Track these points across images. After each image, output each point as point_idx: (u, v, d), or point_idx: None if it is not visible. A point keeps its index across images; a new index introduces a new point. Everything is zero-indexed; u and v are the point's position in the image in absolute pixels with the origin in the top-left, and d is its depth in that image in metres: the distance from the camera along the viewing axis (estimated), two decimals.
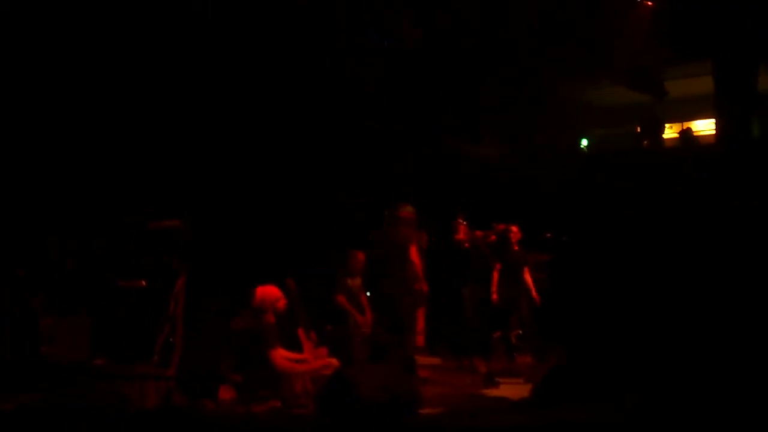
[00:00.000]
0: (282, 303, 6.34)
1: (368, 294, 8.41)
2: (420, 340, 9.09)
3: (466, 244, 8.58)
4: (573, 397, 5.75)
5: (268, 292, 6.33)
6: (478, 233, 8.42)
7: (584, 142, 12.75)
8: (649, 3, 9.12)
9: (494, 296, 8.40)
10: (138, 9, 8.10)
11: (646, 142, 11.04)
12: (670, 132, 11.68)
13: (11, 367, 6.35)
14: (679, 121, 12.15)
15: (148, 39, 8.17)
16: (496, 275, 8.47)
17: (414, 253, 8.09)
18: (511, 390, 6.76)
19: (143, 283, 6.55)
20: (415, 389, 5.83)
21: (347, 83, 9.69)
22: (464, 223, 8.59)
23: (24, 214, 7.09)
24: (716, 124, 10.45)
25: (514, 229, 8.42)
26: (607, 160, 11.05)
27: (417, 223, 8.18)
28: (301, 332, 7.06)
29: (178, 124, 8.37)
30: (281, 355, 6.10)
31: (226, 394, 6.31)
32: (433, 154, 10.77)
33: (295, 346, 6.84)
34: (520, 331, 8.48)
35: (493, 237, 8.61)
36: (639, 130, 11.44)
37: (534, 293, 8.43)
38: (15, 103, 7.64)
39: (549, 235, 8.63)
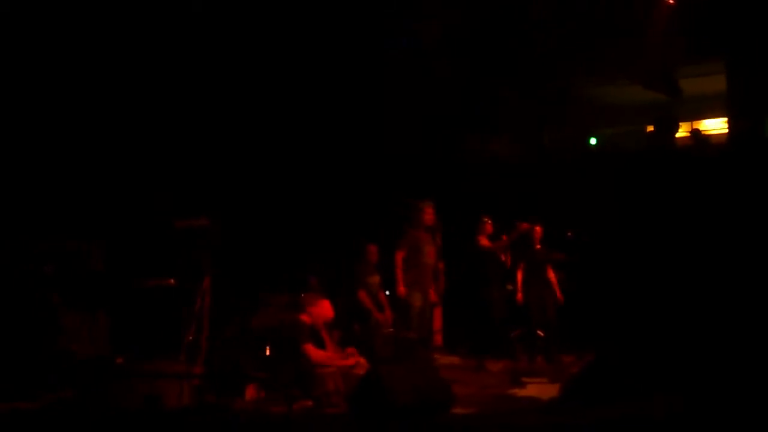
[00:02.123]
0: (324, 321, 6.38)
1: (387, 293, 8.38)
2: (437, 339, 9.08)
3: (490, 246, 8.53)
4: (604, 397, 5.74)
5: (327, 309, 6.37)
6: (505, 237, 8.38)
7: (593, 141, 12.73)
8: (669, 1, 9.09)
9: (519, 295, 8.40)
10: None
11: (658, 141, 11.02)
12: (682, 131, 11.66)
13: (35, 365, 6.29)
14: (689, 120, 12.16)
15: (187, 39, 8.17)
16: (520, 274, 8.46)
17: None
18: (539, 390, 6.73)
19: (172, 281, 6.49)
20: (448, 389, 5.80)
21: (370, 82, 9.64)
22: (490, 222, 8.53)
23: (52, 215, 7.03)
24: (728, 123, 10.46)
25: (538, 228, 8.40)
26: (619, 159, 11.03)
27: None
28: (324, 333, 7.03)
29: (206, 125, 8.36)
30: (313, 355, 6.07)
31: (253, 392, 6.27)
32: (449, 153, 10.73)
33: (318, 345, 6.80)
34: (540, 332, 8.45)
35: (504, 238, 8.54)
36: (652, 128, 11.42)
37: (558, 292, 8.43)
38: (45, 105, 7.59)
39: (570, 234, 8.60)
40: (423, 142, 10.16)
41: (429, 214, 8.11)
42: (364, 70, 9.61)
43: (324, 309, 6.42)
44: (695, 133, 11.66)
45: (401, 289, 7.94)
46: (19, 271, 6.35)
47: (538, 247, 8.47)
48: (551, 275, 8.50)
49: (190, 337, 6.38)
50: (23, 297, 6.31)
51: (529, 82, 10.26)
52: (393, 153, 9.76)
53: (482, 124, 10.63)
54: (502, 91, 10.37)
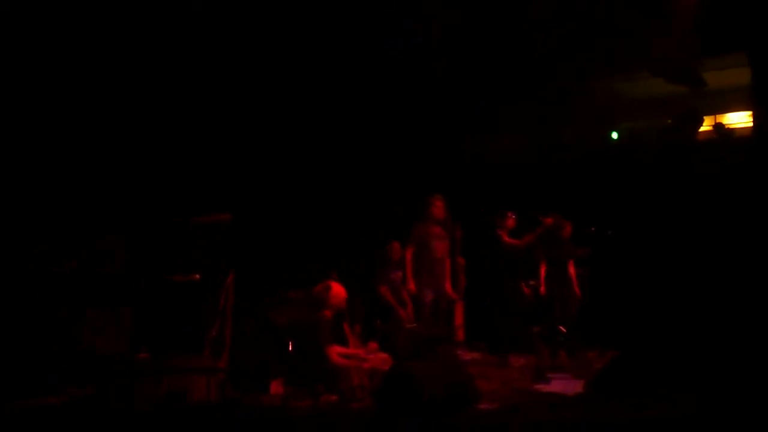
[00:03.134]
0: (344, 303, 6.34)
1: None
2: (459, 334, 9.05)
3: (514, 241, 8.47)
4: (630, 393, 5.68)
5: (340, 292, 6.33)
6: (531, 235, 8.34)
7: (615, 135, 12.61)
8: None
9: (542, 288, 8.34)
10: None
11: (680, 134, 10.90)
12: (706, 125, 11.53)
13: (57, 360, 6.31)
14: (711, 114, 12.02)
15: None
16: (543, 269, 8.42)
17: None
18: (563, 385, 6.68)
19: (197, 277, 6.49)
20: (474, 384, 5.76)
21: (379, 79, 9.60)
22: (513, 216, 8.49)
23: (76, 211, 7.07)
24: (753, 116, 10.32)
25: (568, 228, 8.35)
26: (641, 153, 10.93)
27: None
28: (346, 326, 7.03)
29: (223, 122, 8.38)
30: (336, 351, 6.06)
31: (278, 388, 6.27)
32: (462, 149, 10.69)
33: (340, 339, 6.81)
34: (562, 328, 8.39)
35: (530, 235, 8.47)
36: (673, 122, 11.30)
37: (576, 288, 8.38)
38: (66, 105, 7.64)
39: (593, 229, 8.53)
40: (434, 138, 10.13)
41: (438, 208, 8.00)
42: (370, 69, 9.56)
43: (338, 294, 6.36)
44: (718, 126, 11.54)
45: (411, 286, 7.88)
46: (39, 268, 6.36)
47: (563, 242, 8.42)
48: (572, 271, 8.46)
49: (214, 333, 6.38)
50: (45, 293, 6.33)
51: (543, 79, 10.18)
52: (405, 149, 9.73)
53: (497, 120, 10.55)
54: (514, 88, 10.28)
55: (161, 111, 8.16)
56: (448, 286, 8.16)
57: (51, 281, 6.37)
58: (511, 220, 8.47)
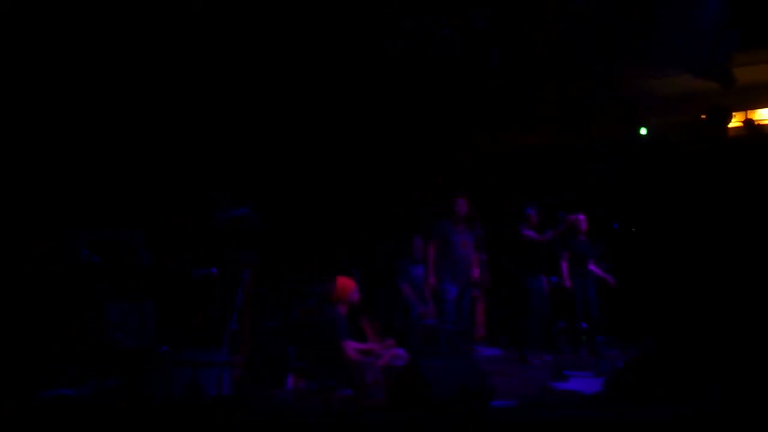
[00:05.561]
0: (357, 296, 6.35)
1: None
2: (480, 330, 9.03)
3: (535, 238, 8.44)
4: (649, 392, 5.63)
5: (347, 284, 6.34)
6: (551, 233, 8.34)
7: (643, 131, 12.45)
8: None
9: (567, 282, 8.29)
10: None
11: (710, 131, 10.76)
12: (735, 121, 11.37)
13: (80, 354, 6.42)
14: (742, 110, 11.84)
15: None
16: (565, 265, 8.36)
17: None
18: (582, 383, 6.63)
19: (215, 271, 6.56)
20: (487, 381, 5.75)
21: (409, 72, 9.56)
22: (534, 213, 8.46)
23: (94, 205, 7.17)
24: None
25: (582, 218, 8.30)
26: (669, 150, 10.80)
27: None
28: (365, 322, 7.04)
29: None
30: (352, 347, 6.08)
31: (294, 382, 6.32)
32: (490, 144, 10.63)
33: (359, 335, 6.82)
34: (584, 325, 8.33)
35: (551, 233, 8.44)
36: (703, 118, 11.16)
37: (608, 278, 8.33)
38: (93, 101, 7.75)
39: (616, 226, 8.46)
40: (463, 133, 10.09)
41: (462, 206, 8.20)
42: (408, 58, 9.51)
43: (345, 287, 6.37)
44: (748, 123, 11.36)
45: (432, 280, 8.10)
46: (66, 261, 6.47)
47: (582, 238, 8.36)
48: (594, 267, 8.40)
49: (233, 327, 6.44)
50: (69, 286, 6.44)
51: (573, 74, 10.09)
52: (431, 144, 9.73)
53: (521, 114, 10.48)
54: (543, 82, 10.21)
55: (173, 109, 8.21)
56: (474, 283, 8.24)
57: (74, 275, 6.47)
58: (532, 216, 8.46)
